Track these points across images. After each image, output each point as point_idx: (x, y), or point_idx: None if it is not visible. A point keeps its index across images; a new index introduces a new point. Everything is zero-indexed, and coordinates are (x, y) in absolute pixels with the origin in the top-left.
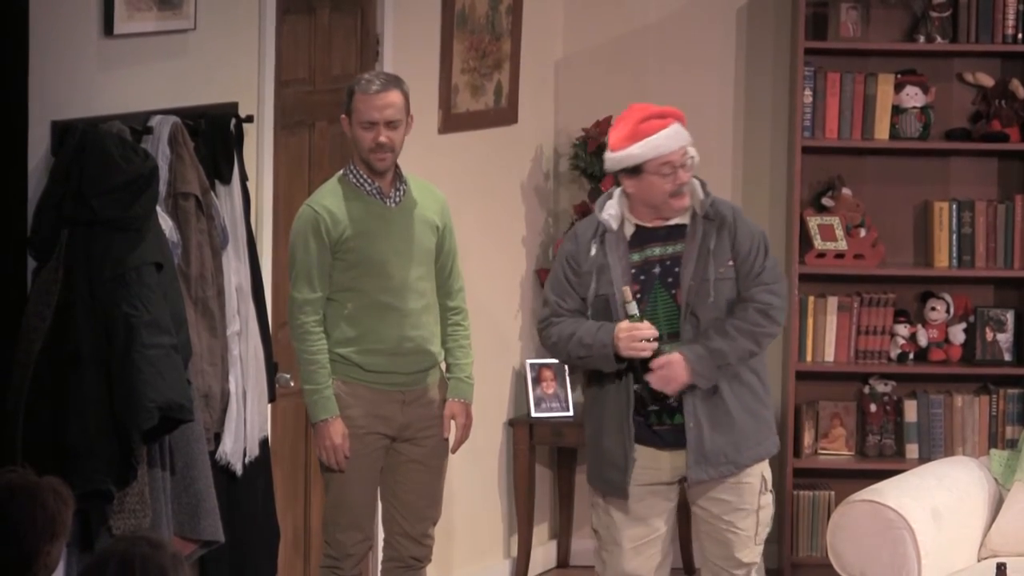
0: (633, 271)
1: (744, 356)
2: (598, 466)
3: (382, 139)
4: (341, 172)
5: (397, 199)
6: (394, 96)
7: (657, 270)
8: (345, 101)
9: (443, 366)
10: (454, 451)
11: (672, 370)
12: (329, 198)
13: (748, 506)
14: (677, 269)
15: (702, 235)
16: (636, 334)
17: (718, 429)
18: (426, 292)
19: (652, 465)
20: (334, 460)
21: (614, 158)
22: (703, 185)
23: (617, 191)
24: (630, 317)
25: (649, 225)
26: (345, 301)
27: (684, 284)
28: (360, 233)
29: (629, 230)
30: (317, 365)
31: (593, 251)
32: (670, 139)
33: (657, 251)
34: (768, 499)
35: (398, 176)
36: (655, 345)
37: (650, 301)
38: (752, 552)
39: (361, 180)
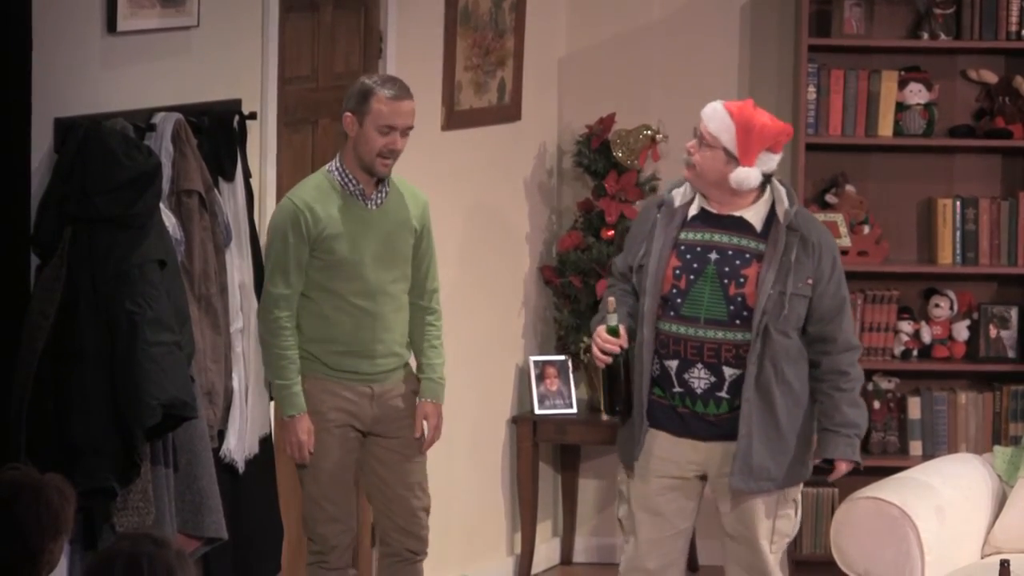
0: (682, 248)
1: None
2: (622, 438)
3: (398, 145)
4: (326, 168)
5: (378, 201)
6: (412, 104)
7: (714, 256)
8: (355, 100)
9: (412, 363)
10: (424, 451)
11: (844, 470)
12: (312, 194)
13: (765, 515)
14: (739, 263)
15: (785, 245)
16: (599, 343)
17: (767, 445)
18: (398, 295)
19: (672, 457)
20: (298, 456)
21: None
22: (789, 194)
23: None
24: (609, 328)
25: (714, 211)
26: (318, 300)
27: (762, 291)
28: (338, 234)
29: (694, 211)
30: (287, 360)
31: (650, 223)
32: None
33: (718, 237)
34: (788, 511)
35: (381, 179)
36: (607, 359)
37: (698, 283)
38: (767, 560)
39: (346, 179)
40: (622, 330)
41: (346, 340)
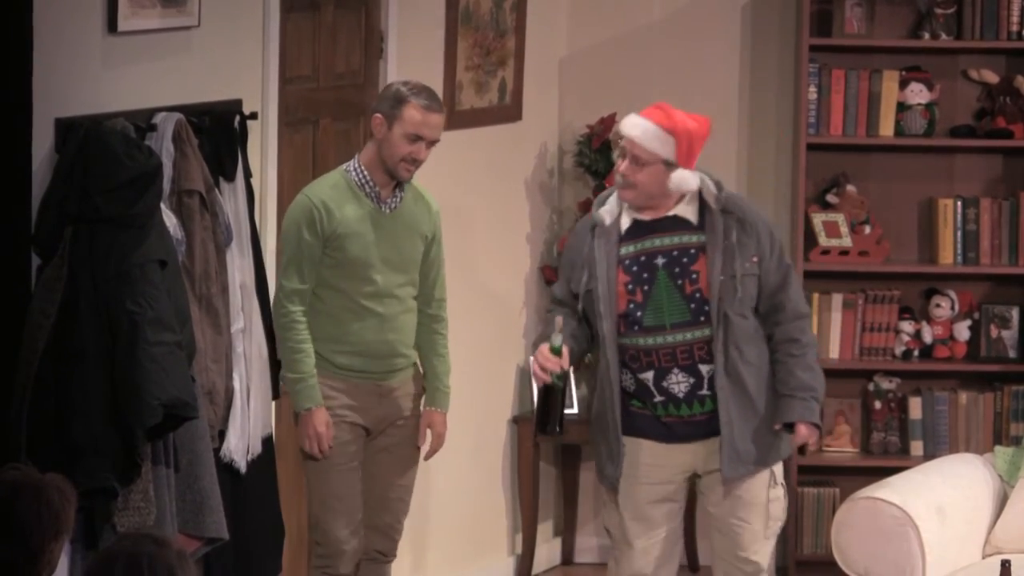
0: (627, 262)
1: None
2: (599, 460)
3: (422, 155)
4: (344, 167)
5: (393, 205)
6: (443, 117)
7: (661, 261)
8: (388, 104)
9: (418, 366)
10: (427, 459)
11: (811, 436)
12: (328, 192)
13: (758, 500)
14: (686, 260)
15: (723, 229)
16: (542, 361)
17: (747, 426)
18: (406, 298)
19: (660, 463)
20: (317, 448)
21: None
22: (716, 182)
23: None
24: (552, 347)
25: (647, 218)
26: (326, 299)
27: (713, 279)
28: (350, 234)
29: (626, 224)
30: (302, 354)
31: (587, 247)
32: (624, 123)
33: (658, 242)
34: (778, 493)
35: (398, 184)
36: (547, 378)
37: (654, 292)
38: (763, 548)
39: (363, 180)
40: (565, 351)
41: (353, 340)
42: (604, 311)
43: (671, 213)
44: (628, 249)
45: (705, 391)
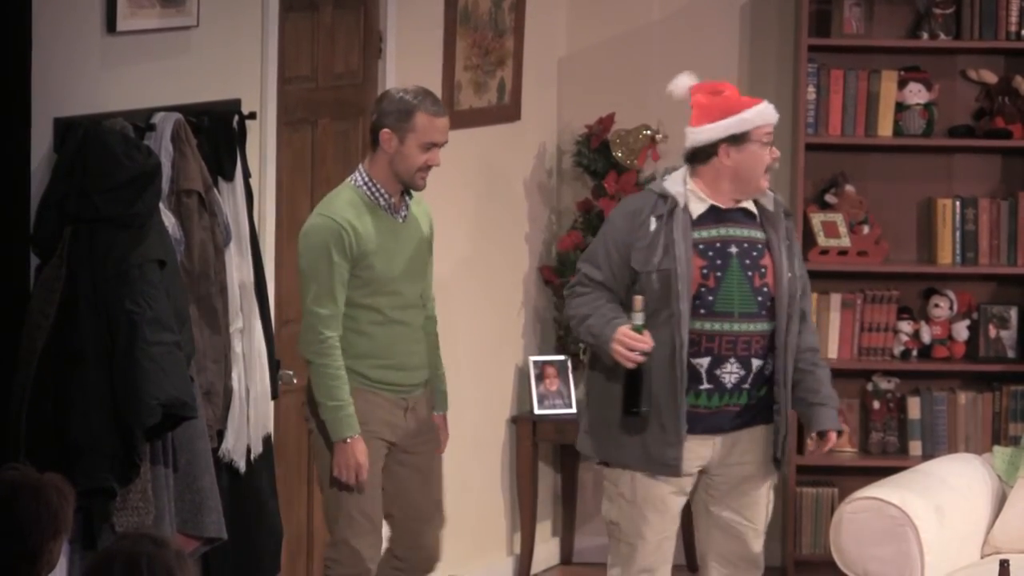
0: (701, 247)
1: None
2: (641, 446)
3: (437, 160)
4: (351, 182)
5: (404, 214)
6: (448, 119)
7: (734, 250)
8: (395, 117)
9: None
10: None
11: (834, 439)
12: (350, 211)
13: (763, 500)
14: (755, 254)
15: (786, 230)
16: (628, 342)
17: (782, 427)
18: (421, 306)
19: (685, 455)
20: (355, 479)
21: (722, 125)
22: None
23: (679, 172)
24: (635, 327)
25: (724, 206)
26: (356, 317)
27: (781, 275)
28: (377, 250)
29: (698, 208)
30: (341, 380)
31: (653, 225)
32: (772, 110)
33: (734, 231)
34: (772, 495)
35: (406, 191)
36: (640, 358)
37: (726, 279)
38: (761, 544)
39: (377, 194)
40: (645, 331)
41: (386, 354)
42: (683, 291)
43: (743, 205)
44: (703, 234)
45: (748, 385)
